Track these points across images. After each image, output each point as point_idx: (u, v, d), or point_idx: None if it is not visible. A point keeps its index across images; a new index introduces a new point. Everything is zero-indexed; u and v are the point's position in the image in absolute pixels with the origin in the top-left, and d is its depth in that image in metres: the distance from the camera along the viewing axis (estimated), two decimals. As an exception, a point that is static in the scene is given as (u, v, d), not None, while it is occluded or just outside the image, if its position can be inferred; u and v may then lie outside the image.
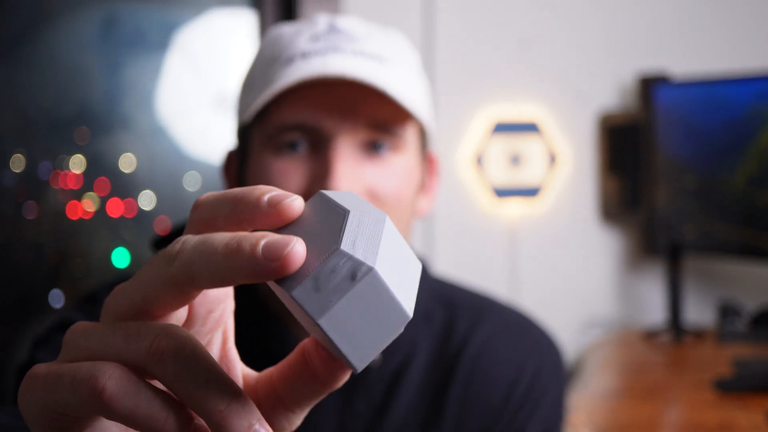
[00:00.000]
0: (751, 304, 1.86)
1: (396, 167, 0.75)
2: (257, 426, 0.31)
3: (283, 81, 0.71)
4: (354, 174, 0.72)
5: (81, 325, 0.34)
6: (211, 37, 2.04)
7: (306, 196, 0.72)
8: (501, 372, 0.82)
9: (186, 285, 0.32)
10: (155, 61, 2.01)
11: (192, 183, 2.05)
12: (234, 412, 0.31)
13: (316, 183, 0.72)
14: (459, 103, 1.97)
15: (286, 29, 0.79)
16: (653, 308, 1.99)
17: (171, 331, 0.32)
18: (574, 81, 2.00)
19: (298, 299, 0.31)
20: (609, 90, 2.00)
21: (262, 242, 0.30)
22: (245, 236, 0.31)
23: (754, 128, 1.70)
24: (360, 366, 0.32)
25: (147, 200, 2.01)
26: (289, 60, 0.74)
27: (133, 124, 2.01)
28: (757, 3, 2.00)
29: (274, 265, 0.30)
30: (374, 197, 0.74)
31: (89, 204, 1.98)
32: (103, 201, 1.98)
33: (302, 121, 0.73)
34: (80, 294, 0.87)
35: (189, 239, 0.32)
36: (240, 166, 0.80)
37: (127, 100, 2.01)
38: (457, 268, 1.96)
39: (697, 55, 1.98)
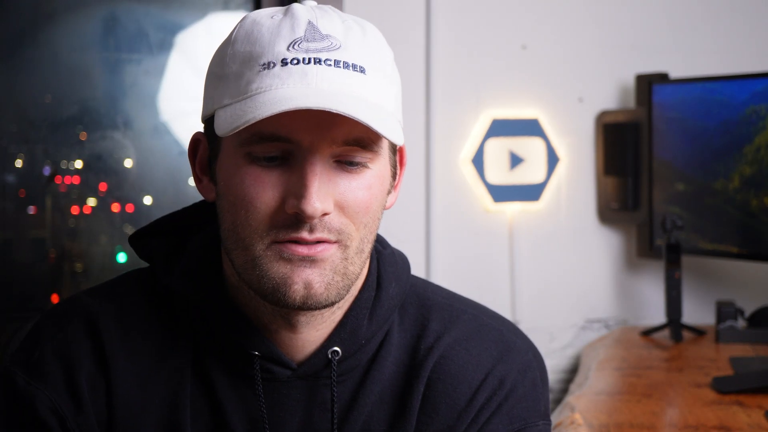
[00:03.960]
0: (749, 304, 1.86)
1: (369, 178, 0.75)
2: None
3: (259, 112, 0.70)
4: (327, 190, 0.73)
5: None
6: (212, 39, 2.04)
7: (279, 209, 0.73)
8: (468, 373, 0.82)
9: None
10: (155, 62, 2.02)
11: (192, 183, 2.05)
12: None
13: (290, 199, 0.72)
14: (459, 104, 1.97)
15: (264, 22, 0.76)
16: (652, 308, 1.99)
17: None
18: (574, 81, 2.00)
19: None
20: (608, 90, 2.01)
21: None
22: None
23: (751, 129, 1.70)
24: None
25: (147, 200, 2.01)
26: (267, 66, 0.73)
27: (133, 124, 2.01)
28: (755, 4, 2.01)
29: None
30: (342, 210, 0.74)
31: (89, 204, 1.99)
32: (103, 201, 1.99)
33: (278, 133, 0.72)
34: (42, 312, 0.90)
35: None
36: (210, 156, 0.80)
37: (127, 100, 2.02)
38: (457, 268, 1.96)
39: (696, 55, 1.98)
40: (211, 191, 0.81)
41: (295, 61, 0.73)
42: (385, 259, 0.85)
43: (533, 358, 0.87)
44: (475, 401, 0.81)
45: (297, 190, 0.72)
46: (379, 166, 0.77)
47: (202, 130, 0.82)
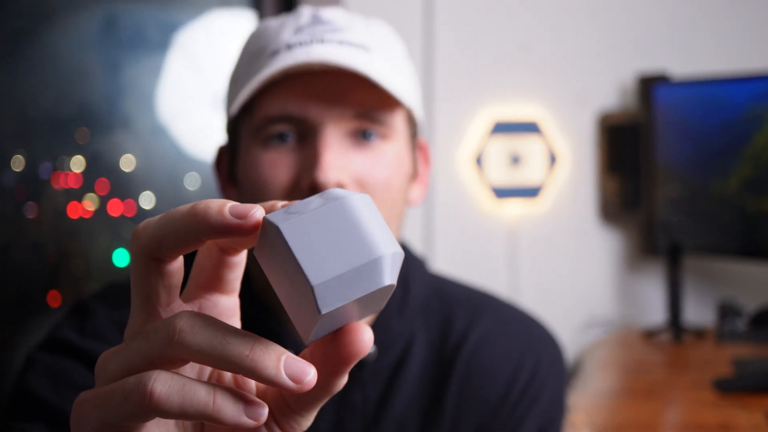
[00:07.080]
0: (750, 304, 1.86)
1: (385, 155, 0.75)
2: (285, 357, 0.34)
3: (267, 71, 0.72)
4: (341, 163, 0.72)
5: (105, 353, 0.37)
6: (211, 37, 2.04)
7: (295, 187, 0.73)
8: (499, 368, 0.82)
9: (157, 252, 0.36)
10: (155, 61, 2.01)
11: (192, 183, 2.05)
12: (259, 351, 0.33)
13: (304, 173, 0.72)
14: (459, 103, 1.97)
15: (271, 23, 0.79)
16: (653, 308, 1.99)
17: (179, 315, 0.35)
18: (574, 81, 2.00)
19: (267, 217, 0.34)
20: (609, 90, 2.00)
21: (227, 206, 0.34)
22: (206, 202, 0.34)
23: (751, 129, 1.70)
24: (316, 279, 0.32)
25: (147, 200, 2.01)
26: (274, 52, 0.74)
27: (133, 124, 2.01)
28: (756, 3, 2.00)
29: (239, 222, 0.34)
30: (363, 186, 0.74)
31: (89, 204, 1.98)
32: (103, 201, 1.99)
33: (288, 111, 0.73)
34: (75, 300, 0.86)
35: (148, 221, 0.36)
36: (230, 161, 0.81)
37: (127, 100, 2.01)
38: (457, 268, 1.95)
39: (697, 55, 1.98)
40: (236, 198, 0.80)
41: (299, 43, 0.74)
42: (407, 258, 0.85)
43: (556, 346, 0.88)
44: (509, 397, 0.81)
45: (310, 163, 0.72)
46: (395, 147, 0.76)
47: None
